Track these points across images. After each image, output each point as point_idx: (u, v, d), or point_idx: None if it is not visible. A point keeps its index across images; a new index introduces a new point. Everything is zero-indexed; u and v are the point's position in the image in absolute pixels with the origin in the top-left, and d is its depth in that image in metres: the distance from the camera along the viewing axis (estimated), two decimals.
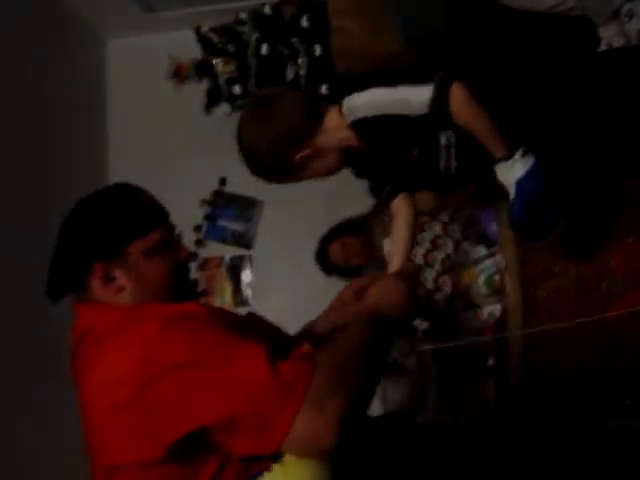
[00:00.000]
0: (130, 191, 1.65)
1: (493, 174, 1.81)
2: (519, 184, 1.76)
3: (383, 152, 1.98)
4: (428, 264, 2.42)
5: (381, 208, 2.11)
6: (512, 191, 1.78)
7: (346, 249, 3.33)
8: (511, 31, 2.75)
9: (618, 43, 2.46)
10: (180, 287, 1.64)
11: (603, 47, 2.51)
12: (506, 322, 2.09)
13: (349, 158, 2.04)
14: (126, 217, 1.57)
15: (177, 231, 1.70)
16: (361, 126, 1.89)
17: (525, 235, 1.87)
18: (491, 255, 2.15)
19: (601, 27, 2.51)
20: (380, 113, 1.84)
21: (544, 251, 2.08)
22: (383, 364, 1.54)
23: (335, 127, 1.94)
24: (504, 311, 2.13)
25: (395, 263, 1.96)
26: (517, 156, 1.76)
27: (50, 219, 1.70)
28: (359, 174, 2.18)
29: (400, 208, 2.01)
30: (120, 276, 1.56)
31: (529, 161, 1.76)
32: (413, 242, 2.00)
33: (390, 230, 2.04)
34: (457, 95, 1.75)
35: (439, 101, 1.75)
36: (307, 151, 1.92)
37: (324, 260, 3.42)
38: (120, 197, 1.62)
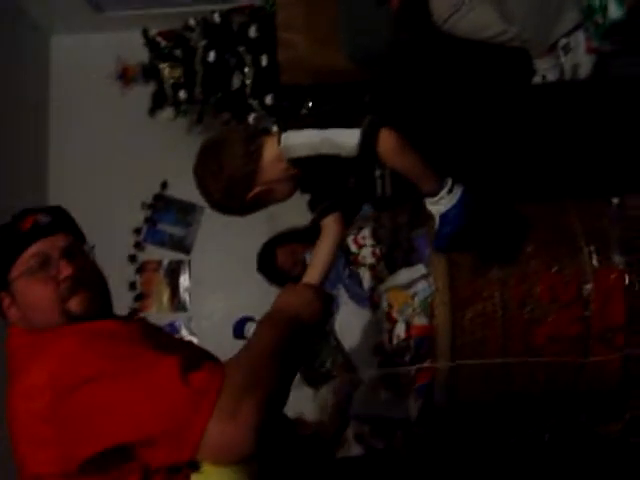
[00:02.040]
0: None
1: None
2: (444, 216, 1.86)
3: (321, 182, 2.05)
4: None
5: (315, 223, 2.16)
6: (437, 222, 1.88)
7: (295, 256, 3.34)
8: (451, 57, 2.84)
9: (553, 76, 2.55)
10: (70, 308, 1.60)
11: (539, 78, 2.60)
12: (434, 344, 2.15)
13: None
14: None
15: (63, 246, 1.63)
16: (298, 164, 1.97)
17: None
18: (425, 277, 2.20)
19: (538, 59, 2.59)
20: (313, 153, 1.92)
21: (472, 275, 2.15)
22: (295, 363, 1.54)
23: (275, 159, 1.99)
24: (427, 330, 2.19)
25: (309, 275, 2.02)
26: (443, 193, 1.85)
27: None
28: (303, 189, 2.24)
29: (330, 225, 2.07)
30: (9, 305, 1.60)
31: (455, 195, 1.85)
32: (333, 259, 2.05)
33: (317, 244, 2.10)
34: (385, 140, 1.83)
35: (367, 146, 1.83)
36: (256, 189, 1.99)
37: (268, 263, 3.41)
38: (5, 225, 1.64)
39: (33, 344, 1.53)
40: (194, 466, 1.39)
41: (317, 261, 2.03)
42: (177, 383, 1.31)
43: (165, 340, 1.68)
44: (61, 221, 1.68)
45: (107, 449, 1.33)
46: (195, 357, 1.52)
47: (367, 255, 2.52)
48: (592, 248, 2.19)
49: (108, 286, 1.72)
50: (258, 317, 2.07)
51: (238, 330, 2.24)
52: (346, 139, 1.85)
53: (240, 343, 1.63)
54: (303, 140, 1.93)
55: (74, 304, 1.58)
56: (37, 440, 1.42)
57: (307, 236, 3.33)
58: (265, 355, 1.42)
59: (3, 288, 1.59)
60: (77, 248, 1.67)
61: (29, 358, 1.49)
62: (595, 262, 2.18)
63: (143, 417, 1.32)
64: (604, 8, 2.06)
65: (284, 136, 1.95)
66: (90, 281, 1.64)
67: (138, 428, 1.32)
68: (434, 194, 1.84)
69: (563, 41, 2.52)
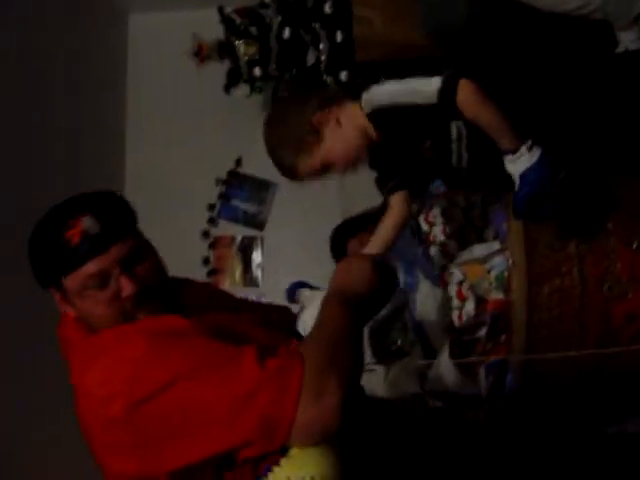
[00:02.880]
0: (60, 221, 1.50)
1: (501, 166, 1.88)
2: (523, 176, 1.83)
3: (397, 142, 2.04)
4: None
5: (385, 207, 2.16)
6: (517, 182, 1.85)
7: (364, 246, 3.33)
8: (531, 31, 2.79)
9: (635, 48, 2.49)
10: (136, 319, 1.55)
11: (621, 50, 2.54)
12: (510, 319, 2.13)
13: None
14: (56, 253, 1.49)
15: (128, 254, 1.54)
16: (377, 116, 1.97)
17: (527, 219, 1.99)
18: (501, 251, 2.18)
19: (620, 31, 2.53)
20: (394, 102, 1.92)
21: (549, 250, 2.12)
22: (361, 337, 1.52)
23: (355, 113, 2.01)
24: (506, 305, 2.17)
25: (372, 247, 2.02)
26: (523, 149, 1.82)
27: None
28: (372, 164, 2.23)
29: (397, 203, 2.07)
30: (62, 301, 1.56)
31: (535, 155, 1.82)
32: (394, 236, 2.07)
33: (382, 219, 2.10)
34: (465, 88, 1.83)
35: (447, 91, 1.83)
36: (327, 114, 2.00)
37: (339, 250, 3.43)
38: (48, 228, 1.51)
39: (95, 339, 1.52)
40: (283, 451, 1.39)
41: (377, 236, 2.07)
42: (259, 375, 1.32)
43: (237, 325, 1.63)
44: (113, 227, 1.52)
45: (198, 461, 1.36)
46: (269, 334, 1.60)
47: (438, 233, 2.50)
48: None
49: (168, 275, 1.67)
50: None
51: (290, 295, 2.24)
52: (426, 86, 1.86)
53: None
54: (384, 89, 1.95)
55: (140, 316, 1.54)
56: (116, 444, 1.42)
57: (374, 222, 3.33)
58: (338, 333, 1.42)
59: (54, 284, 1.54)
60: (136, 244, 1.57)
61: (94, 354, 1.47)
62: None
63: (234, 422, 1.32)
64: None
65: (365, 92, 1.97)
66: (154, 285, 1.57)
67: (230, 435, 1.33)
68: (514, 151, 1.81)
69: None
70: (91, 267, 1.48)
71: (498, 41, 2.89)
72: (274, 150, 2.08)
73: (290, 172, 2.11)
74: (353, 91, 2.08)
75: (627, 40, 2.51)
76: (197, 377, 1.35)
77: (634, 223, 2.15)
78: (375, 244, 2.03)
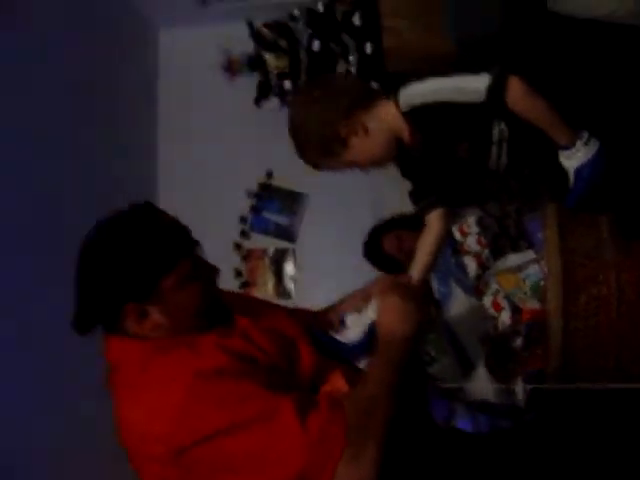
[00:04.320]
0: (154, 221, 1.58)
1: (538, 172, 1.85)
2: (578, 172, 1.80)
3: (434, 144, 1.98)
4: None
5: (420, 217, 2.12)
6: (571, 177, 1.82)
7: (401, 241, 3.31)
8: (564, 38, 2.76)
9: None
10: (213, 308, 1.63)
11: None
12: (546, 328, 2.11)
13: (397, 154, 2.06)
14: (156, 254, 1.52)
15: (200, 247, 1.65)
16: (416, 114, 1.89)
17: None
18: (536, 261, 2.17)
19: None
20: (436, 100, 1.85)
21: (585, 258, 2.10)
22: (404, 382, 1.58)
23: (387, 113, 1.94)
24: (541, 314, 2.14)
25: (414, 272, 1.99)
26: (579, 145, 1.79)
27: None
28: (404, 173, 2.19)
29: (435, 221, 2.03)
30: (154, 312, 1.55)
31: (592, 149, 1.79)
32: (435, 257, 2.03)
33: (420, 239, 2.07)
34: (515, 84, 1.78)
35: (497, 88, 1.78)
36: (355, 124, 1.93)
37: (375, 249, 3.40)
38: (146, 231, 1.55)
39: (146, 376, 1.53)
40: None
41: (418, 259, 2.02)
42: (301, 439, 1.36)
43: (281, 360, 1.64)
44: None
45: None
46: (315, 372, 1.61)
47: (472, 243, 2.50)
48: None
49: None
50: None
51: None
52: (474, 82, 1.80)
53: None
54: (426, 86, 1.89)
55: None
56: (158, 477, 1.48)
57: (412, 222, 3.31)
58: (383, 390, 1.49)
59: (147, 296, 1.55)
60: None
61: (141, 389, 1.50)
62: None
63: (271, 473, 1.36)
64: None
65: (403, 88, 1.90)
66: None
67: None
68: (569, 146, 1.78)
69: None
70: (187, 261, 1.57)
71: (531, 50, 2.88)
72: (298, 142, 2.00)
73: (312, 165, 2.05)
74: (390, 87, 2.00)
75: None
76: (236, 433, 1.38)
77: None
78: (416, 268, 2.00)
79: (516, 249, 2.30)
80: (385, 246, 3.36)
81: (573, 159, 1.79)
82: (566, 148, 1.79)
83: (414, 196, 2.11)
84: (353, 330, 1.85)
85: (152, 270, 1.52)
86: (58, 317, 1.69)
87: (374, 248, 3.40)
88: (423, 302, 1.79)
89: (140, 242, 1.52)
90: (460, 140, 1.96)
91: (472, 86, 1.80)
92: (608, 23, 2.60)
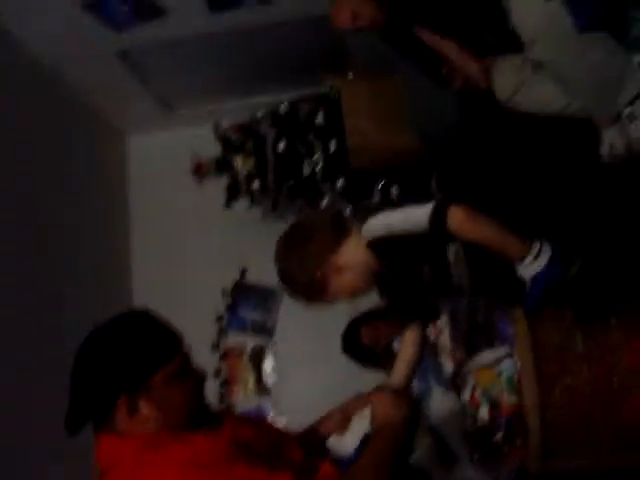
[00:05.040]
0: (145, 321, 1.67)
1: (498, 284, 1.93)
2: (535, 279, 1.87)
3: (398, 270, 2.09)
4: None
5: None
6: (528, 285, 1.89)
7: (379, 333, 3.35)
8: (516, 134, 2.88)
9: (620, 145, 2.55)
10: (198, 409, 1.69)
11: (605, 149, 2.61)
12: (524, 422, 2.15)
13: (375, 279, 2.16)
14: (147, 350, 1.60)
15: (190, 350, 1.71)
16: (376, 245, 2.02)
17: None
18: (510, 355, 2.22)
19: (603, 129, 2.61)
20: (391, 231, 1.98)
21: (557, 351, 2.15)
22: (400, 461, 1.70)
23: (355, 249, 2.06)
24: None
25: (394, 381, 2.09)
26: (530, 258, 1.86)
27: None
28: (382, 295, 2.30)
29: (411, 336, 2.14)
30: (145, 406, 1.59)
31: (544, 258, 1.86)
32: (415, 365, 2.13)
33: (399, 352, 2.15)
34: (455, 215, 1.88)
35: (438, 218, 1.88)
36: (328, 267, 2.04)
37: (353, 341, 3.44)
38: (137, 328, 1.64)
39: (134, 458, 1.56)
40: None
41: (398, 370, 2.12)
42: None
43: (271, 446, 1.72)
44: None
45: None
46: (301, 450, 1.70)
47: (446, 341, 2.55)
48: None
49: None
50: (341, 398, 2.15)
51: None
52: (418, 214, 1.92)
53: None
54: (379, 220, 2.02)
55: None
56: None
57: (390, 314, 3.36)
58: (380, 471, 1.60)
59: (139, 390, 1.60)
60: None
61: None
62: None
63: None
64: None
65: (364, 225, 2.04)
66: None
67: None
68: (521, 260, 1.86)
69: (627, 110, 2.53)
70: (181, 355, 1.66)
71: (485, 145, 2.99)
72: (288, 288, 2.15)
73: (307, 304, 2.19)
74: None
75: (611, 137, 2.58)
76: None
77: (637, 316, 2.19)
78: (396, 378, 2.10)
79: (490, 345, 2.35)
80: (363, 338, 3.39)
81: (528, 269, 1.87)
82: (519, 261, 1.88)
83: (391, 312, 2.21)
84: (345, 446, 1.90)
85: (144, 363, 1.59)
86: None
87: (352, 340, 3.43)
88: (410, 401, 1.90)
89: (132, 337, 1.61)
90: (421, 264, 2.06)
91: (417, 217, 1.92)
92: (558, 118, 2.71)
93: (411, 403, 1.87)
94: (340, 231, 2.08)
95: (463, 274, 2.06)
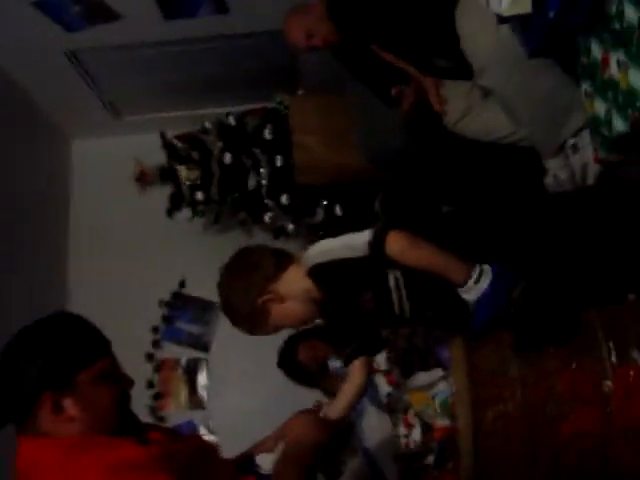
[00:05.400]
0: (74, 321, 1.66)
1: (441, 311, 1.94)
2: (478, 302, 1.88)
3: (339, 298, 2.08)
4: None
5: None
6: (471, 308, 1.90)
7: (316, 351, 3.35)
8: (462, 158, 2.91)
9: (563, 175, 2.60)
10: (124, 416, 1.65)
11: (550, 178, 2.65)
12: (456, 446, 2.14)
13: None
14: (74, 347, 1.58)
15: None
16: (316, 272, 2.02)
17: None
18: (445, 378, 2.22)
19: (548, 159, 2.65)
20: (330, 258, 1.98)
21: (491, 375, 2.16)
22: None
23: (295, 277, 2.06)
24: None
25: (332, 410, 2.09)
26: (471, 283, 1.87)
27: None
28: (327, 324, 2.30)
29: (356, 370, 2.12)
30: (70, 406, 1.56)
31: (485, 282, 1.88)
32: (357, 399, 2.13)
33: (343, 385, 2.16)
34: (393, 240, 1.88)
35: (377, 243, 1.89)
36: (269, 296, 2.04)
37: (290, 358, 3.43)
38: (66, 327, 1.62)
39: (57, 461, 1.52)
40: None
41: (338, 403, 2.11)
42: None
43: (193, 456, 1.72)
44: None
45: None
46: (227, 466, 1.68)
47: (381, 362, 2.56)
48: (611, 344, 2.19)
49: None
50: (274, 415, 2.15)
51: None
52: (358, 239, 1.92)
53: None
54: (319, 247, 2.02)
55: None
56: None
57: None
58: None
59: (63, 387, 1.57)
60: None
61: None
62: (614, 358, 2.19)
63: None
64: (609, 121, 2.11)
65: (305, 252, 2.05)
66: None
67: None
68: (462, 284, 1.87)
69: (571, 141, 2.58)
70: (108, 359, 1.64)
71: (431, 167, 3.02)
72: (229, 318, 2.15)
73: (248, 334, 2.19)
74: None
75: (554, 168, 2.63)
76: None
77: (573, 343, 2.21)
78: (334, 410, 2.09)
79: (425, 367, 2.35)
80: (300, 355, 3.38)
81: (470, 293, 1.88)
82: (460, 286, 1.89)
83: (336, 344, 2.21)
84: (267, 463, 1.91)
85: (70, 361, 1.56)
86: None
87: (288, 357, 3.41)
88: (329, 428, 1.94)
89: (59, 335, 1.58)
90: (362, 290, 2.06)
91: (357, 242, 1.93)
92: (503, 145, 2.75)
93: (330, 430, 1.92)
94: (281, 260, 2.09)
95: (404, 302, 2.06)
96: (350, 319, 2.14)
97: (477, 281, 1.87)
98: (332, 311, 2.13)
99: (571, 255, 2.14)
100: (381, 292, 2.03)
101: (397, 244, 1.88)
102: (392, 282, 2.02)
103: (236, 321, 2.12)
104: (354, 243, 1.93)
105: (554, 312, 2.15)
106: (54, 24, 3.45)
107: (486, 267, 1.88)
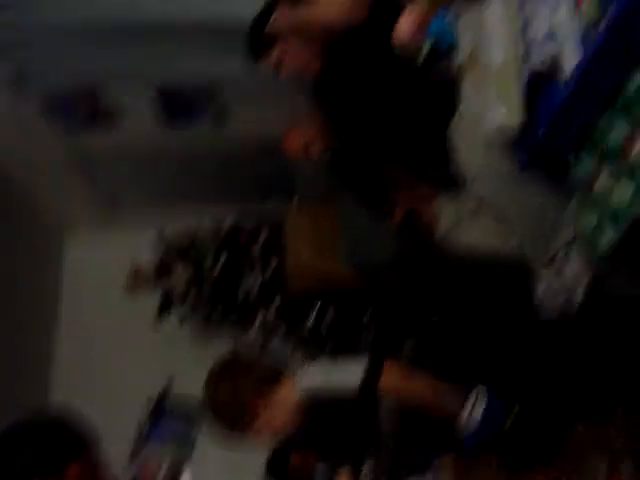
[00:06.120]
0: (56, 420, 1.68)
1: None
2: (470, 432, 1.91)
3: (328, 422, 2.14)
4: None
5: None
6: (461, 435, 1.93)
7: (308, 462, 3.31)
8: (452, 271, 2.95)
9: (556, 285, 2.63)
10: None
11: (541, 287, 2.68)
12: None
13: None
14: (41, 455, 1.58)
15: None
16: (306, 403, 2.08)
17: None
18: None
19: (538, 271, 2.69)
20: (323, 387, 2.04)
21: None
22: None
23: (290, 390, 2.11)
24: None
25: None
26: (462, 422, 1.90)
27: None
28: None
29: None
30: None
31: (477, 416, 1.91)
32: None
33: None
34: (389, 376, 1.95)
35: (370, 381, 1.95)
36: (261, 401, 2.09)
37: (280, 463, 3.38)
38: (23, 439, 1.61)
39: None
40: None
41: None
42: None
43: None
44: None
45: None
46: None
47: (368, 473, 2.54)
48: (600, 458, 2.20)
49: None
50: None
51: None
52: (352, 374, 1.98)
53: None
54: (313, 373, 2.10)
55: None
56: None
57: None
58: None
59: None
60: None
61: None
62: (604, 471, 2.19)
63: None
64: (599, 233, 2.15)
65: (298, 374, 2.12)
66: None
67: None
68: (455, 421, 1.89)
69: (561, 253, 2.62)
70: (80, 462, 1.64)
71: (421, 280, 3.05)
72: (212, 417, 2.17)
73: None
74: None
75: (546, 278, 2.66)
76: None
77: (560, 462, 2.21)
78: None
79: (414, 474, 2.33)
80: (292, 462, 3.34)
81: (465, 426, 1.91)
82: (453, 422, 1.92)
83: (324, 456, 2.23)
84: None
85: (30, 473, 1.55)
86: None
87: (281, 463, 3.37)
88: None
89: (21, 447, 1.58)
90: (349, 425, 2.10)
91: (351, 377, 1.99)
92: (494, 256, 2.80)
93: None
94: (278, 370, 2.11)
95: (393, 430, 2.09)
96: (336, 439, 2.16)
97: (470, 414, 1.90)
98: (318, 434, 2.15)
99: (560, 377, 2.17)
100: (367, 418, 2.06)
101: (391, 380, 1.95)
102: (384, 412, 2.05)
103: (218, 418, 2.13)
104: (348, 377, 1.98)
105: (543, 432, 2.17)
106: (58, 127, 3.59)
107: (479, 396, 1.91)
